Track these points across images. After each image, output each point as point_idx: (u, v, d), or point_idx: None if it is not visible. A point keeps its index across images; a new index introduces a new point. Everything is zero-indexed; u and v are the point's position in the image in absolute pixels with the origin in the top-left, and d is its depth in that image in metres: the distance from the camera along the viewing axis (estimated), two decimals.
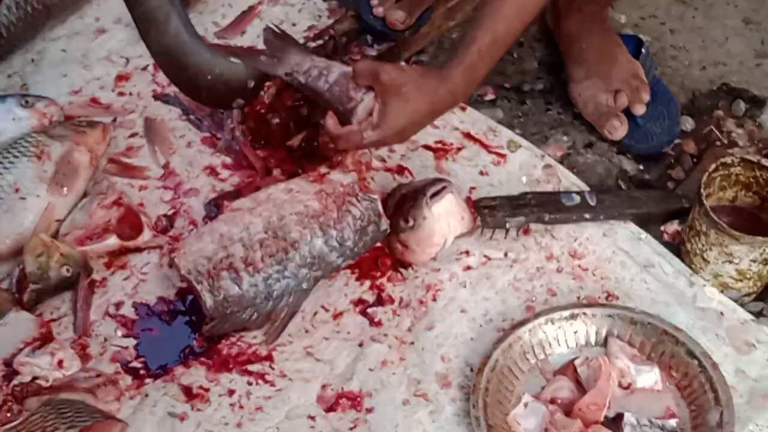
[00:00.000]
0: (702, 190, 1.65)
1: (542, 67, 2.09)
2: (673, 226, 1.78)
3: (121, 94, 1.95)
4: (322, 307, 1.65)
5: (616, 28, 2.10)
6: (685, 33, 2.17)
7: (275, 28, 1.74)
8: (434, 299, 1.65)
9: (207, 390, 1.55)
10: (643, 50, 1.99)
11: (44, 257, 1.60)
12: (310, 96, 1.72)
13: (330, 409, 1.54)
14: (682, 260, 1.72)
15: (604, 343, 1.58)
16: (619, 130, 1.90)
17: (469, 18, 2.09)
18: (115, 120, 1.90)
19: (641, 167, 1.91)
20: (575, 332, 1.58)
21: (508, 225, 1.71)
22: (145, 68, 1.99)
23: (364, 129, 1.57)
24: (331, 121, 1.60)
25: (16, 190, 1.69)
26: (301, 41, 2.01)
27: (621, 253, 1.72)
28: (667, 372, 1.55)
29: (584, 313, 1.58)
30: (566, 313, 1.58)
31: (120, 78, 1.98)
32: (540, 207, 1.73)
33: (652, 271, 1.70)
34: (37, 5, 1.99)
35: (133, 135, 1.88)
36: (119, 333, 1.60)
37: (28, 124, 1.80)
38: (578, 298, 1.66)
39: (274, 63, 1.70)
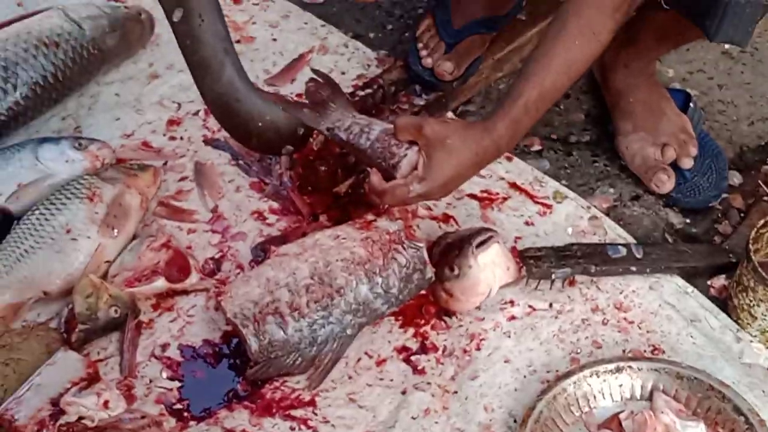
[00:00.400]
0: (750, 246, 1.65)
1: (589, 119, 2.10)
2: (719, 281, 1.77)
3: (172, 138, 1.98)
4: (366, 353, 1.65)
5: (664, 82, 2.11)
6: (733, 88, 2.17)
7: (318, 74, 1.77)
8: (478, 348, 1.65)
9: None
10: (691, 104, 2.00)
11: (93, 298, 1.61)
12: (351, 153, 1.75)
13: None
14: (729, 315, 1.71)
15: (650, 398, 1.57)
16: (666, 183, 1.89)
17: (516, 70, 2.11)
18: (165, 163, 1.93)
19: (688, 221, 1.90)
20: (620, 386, 1.57)
21: (553, 276, 1.70)
22: (196, 113, 2.02)
23: (410, 183, 1.58)
24: (375, 178, 1.62)
25: (68, 231, 1.71)
26: (350, 90, 2.04)
27: (667, 307, 1.71)
28: (713, 428, 1.53)
29: (630, 367, 1.57)
30: (611, 366, 1.57)
31: (171, 122, 2.01)
32: (586, 259, 1.73)
33: (698, 325, 1.69)
34: (93, 50, 2.03)
35: (183, 179, 1.91)
36: (164, 375, 1.61)
37: (81, 166, 1.83)
38: (624, 351, 1.65)
39: (316, 117, 1.73)
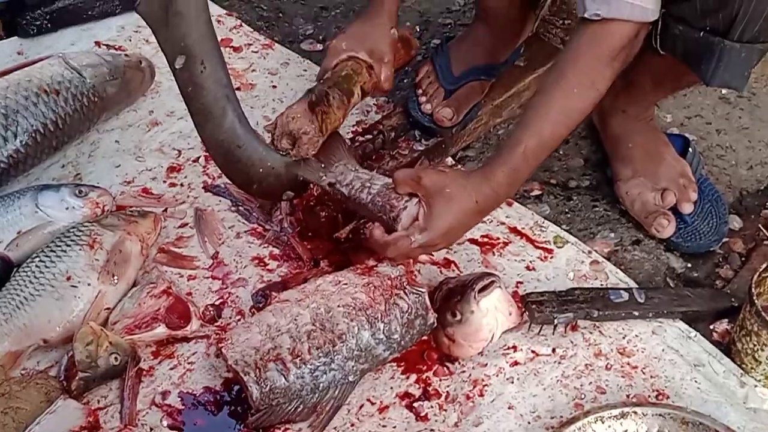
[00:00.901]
0: (753, 290, 1.65)
1: (588, 164, 2.11)
2: (722, 326, 1.76)
3: (172, 185, 1.99)
4: (368, 400, 1.63)
5: (662, 127, 2.12)
6: (731, 133, 2.18)
7: None
8: (481, 395, 1.64)
9: None
10: (690, 149, 2.00)
11: (93, 345, 1.60)
12: (352, 207, 1.75)
13: None
14: (733, 360, 1.70)
15: None
16: (666, 228, 1.90)
17: (515, 115, 2.12)
18: (166, 210, 1.93)
19: (689, 265, 1.90)
20: (625, 431, 1.55)
21: (556, 321, 1.69)
22: (196, 160, 2.03)
23: (412, 234, 1.59)
24: (377, 232, 1.63)
25: (68, 279, 1.70)
26: (350, 135, 2.05)
27: (671, 352, 1.70)
28: None
29: (634, 412, 1.56)
30: (616, 411, 1.56)
31: (172, 169, 2.02)
32: (588, 303, 1.72)
33: (702, 370, 1.68)
34: (93, 98, 2.04)
35: (183, 225, 1.91)
36: (165, 423, 1.59)
37: (81, 213, 1.83)
38: (628, 396, 1.63)
39: (319, 173, 1.75)
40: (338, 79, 1.79)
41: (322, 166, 1.75)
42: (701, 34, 1.59)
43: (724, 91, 2.26)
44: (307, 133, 1.71)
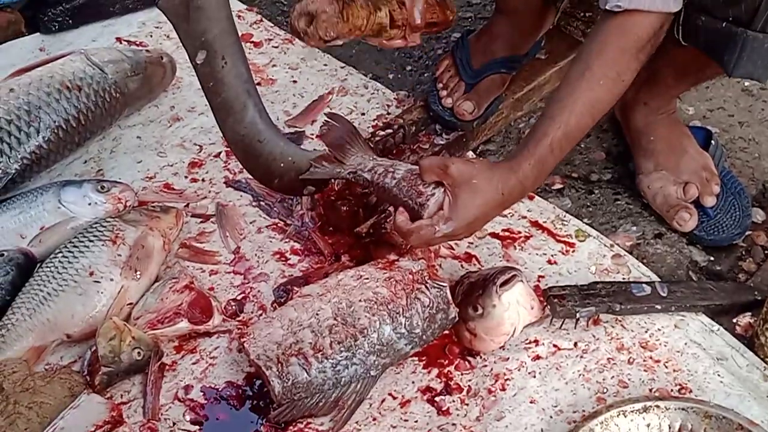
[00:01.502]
0: None
1: (610, 158, 2.10)
2: (745, 319, 1.75)
3: (194, 180, 1.99)
4: (390, 394, 1.64)
5: (685, 119, 2.11)
6: (754, 125, 2.17)
7: (334, 117, 1.77)
8: (503, 389, 1.64)
9: None
10: (712, 142, 1.99)
11: (116, 340, 1.61)
12: (376, 192, 1.74)
13: None
14: (756, 353, 1.69)
15: None
16: (688, 222, 1.89)
17: (536, 109, 2.12)
18: (187, 205, 1.93)
19: (712, 258, 1.89)
20: (648, 425, 1.55)
21: (578, 315, 1.69)
22: (217, 155, 2.04)
23: (436, 223, 1.58)
24: (401, 218, 1.62)
25: (91, 274, 1.71)
26: (370, 130, 2.04)
27: (693, 346, 1.69)
28: None
29: (657, 406, 1.55)
30: (638, 405, 1.55)
31: (193, 164, 2.02)
32: (610, 297, 1.72)
33: (725, 364, 1.67)
34: (115, 93, 2.05)
35: (205, 220, 1.91)
36: (188, 417, 1.60)
37: (104, 209, 1.84)
38: (650, 390, 1.63)
39: (336, 168, 1.74)
40: None
41: (340, 162, 1.74)
42: (724, 24, 1.58)
43: (746, 83, 2.25)
44: (326, 12, 1.67)
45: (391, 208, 1.70)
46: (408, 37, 1.85)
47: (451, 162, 1.60)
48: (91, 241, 1.76)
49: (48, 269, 1.73)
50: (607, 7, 1.56)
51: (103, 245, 1.75)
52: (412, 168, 1.67)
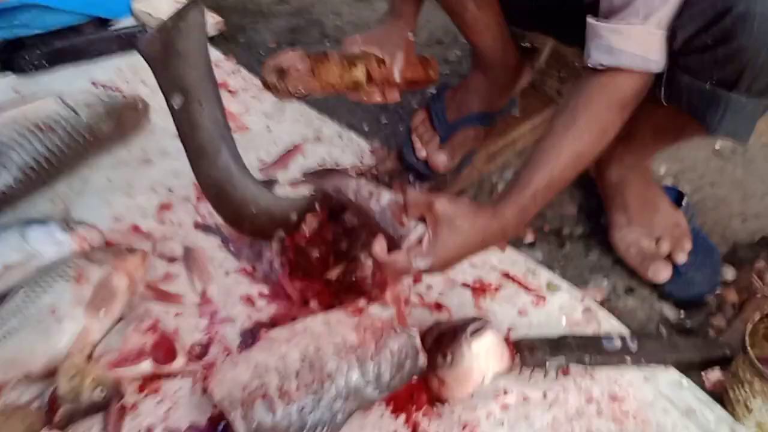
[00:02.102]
0: (747, 338, 1.63)
1: (582, 213, 2.10)
2: (714, 374, 1.74)
3: (162, 222, 1.97)
4: None
5: (657, 178, 2.12)
6: (724, 186, 2.18)
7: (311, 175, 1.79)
8: None
9: None
10: (684, 201, 2.00)
11: (77, 379, 1.57)
12: (357, 214, 1.71)
13: None
14: (725, 408, 1.67)
15: None
16: (663, 272, 1.89)
17: (509, 164, 2.12)
18: (154, 247, 1.91)
19: (682, 314, 1.89)
20: None
21: (547, 365, 1.67)
22: (187, 198, 2.02)
23: (413, 257, 1.56)
24: (379, 246, 1.59)
25: (53, 312, 1.67)
26: None
27: (662, 399, 1.68)
28: None
29: None
30: None
31: (162, 207, 2.00)
32: (580, 349, 1.70)
33: (694, 418, 1.65)
34: (88, 135, 2.04)
35: (171, 262, 1.88)
36: None
37: (69, 248, 1.81)
38: None
39: (320, 181, 1.73)
40: (344, 53, 1.79)
41: (323, 178, 1.74)
42: (708, 85, 1.59)
43: (717, 146, 2.27)
44: (298, 69, 1.68)
45: (364, 251, 1.69)
46: (386, 94, 1.86)
47: (437, 199, 1.59)
48: (54, 279, 1.72)
49: (10, 307, 1.69)
50: (590, 64, 1.58)
51: (66, 283, 1.71)
52: (397, 197, 1.65)
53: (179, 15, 1.51)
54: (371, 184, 1.71)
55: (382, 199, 1.65)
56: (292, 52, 1.71)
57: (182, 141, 1.64)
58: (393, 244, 1.60)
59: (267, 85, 1.72)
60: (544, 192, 1.59)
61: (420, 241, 1.57)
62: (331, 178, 1.73)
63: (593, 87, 1.59)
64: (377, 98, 1.88)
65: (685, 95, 1.63)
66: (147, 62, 1.53)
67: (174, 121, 1.60)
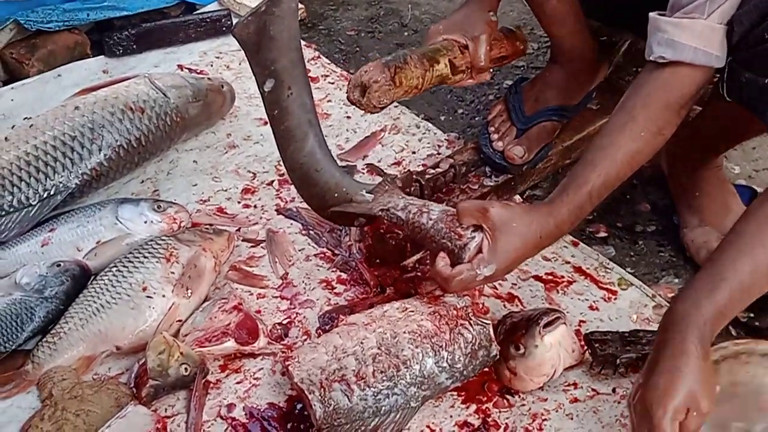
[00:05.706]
0: None
1: (655, 210, 2.12)
2: None
3: (246, 206, 2.04)
4: (428, 426, 1.65)
5: (730, 178, 2.13)
6: None
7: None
8: (540, 429, 1.65)
9: None
10: None
11: (165, 355, 1.64)
12: (410, 233, 1.73)
13: None
14: None
15: None
16: None
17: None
18: (239, 230, 1.98)
19: (752, 314, 1.90)
20: None
21: (618, 360, 1.71)
22: (270, 183, 2.08)
23: (476, 267, 1.59)
24: (442, 263, 1.62)
25: (144, 289, 1.75)
26: (420, 168, 2.08)
27: None
28: None
29: None
30: None
31: (246, 191, 2.07)
32: (651, 346, 1.72)
33: None
34: (176, 117, 2.11)
35: (255, 245, 1.95)
36: None
37: (159, 227, 1.89)
38: None
39: (368, 204, 1.77)
40: (424, 50, 1.82)
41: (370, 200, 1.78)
42: (766, 81, 1.60)
43: None
44: (378, 82, 1.72)
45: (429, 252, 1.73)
46: (475, 77, 1.90)
47: (489, 205, 1.62)
48: (145, 257, 1.80)
49: (102, 282, 1.78)
50: (651, 58, 1.60)
51: (157, 262, 1.79)
52: (446, 209, 1.68)
53: (273, 0, 1.54)
54: (417, 200, 1.75)
55: (432, 213, 1.68)
56: (371, 65, 1.74)
57: (271, 125, 1.69)
58: (453, 257, 1.62)
59: (352, 102, 1.77)
60: (599, 190, 1.61)
61: (480, 249, 1.60)
62: (377, 199, 1.77)
63: (653, 84, 1.61)
64: (468, 82, 1.91)
65: (745, 91, 1.64)
66: (241, 46, 1.56)
67: (264, 104, 1.65)
